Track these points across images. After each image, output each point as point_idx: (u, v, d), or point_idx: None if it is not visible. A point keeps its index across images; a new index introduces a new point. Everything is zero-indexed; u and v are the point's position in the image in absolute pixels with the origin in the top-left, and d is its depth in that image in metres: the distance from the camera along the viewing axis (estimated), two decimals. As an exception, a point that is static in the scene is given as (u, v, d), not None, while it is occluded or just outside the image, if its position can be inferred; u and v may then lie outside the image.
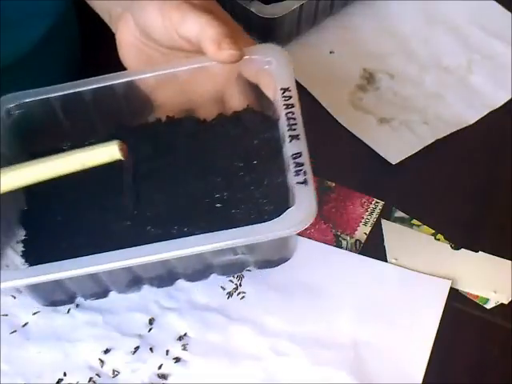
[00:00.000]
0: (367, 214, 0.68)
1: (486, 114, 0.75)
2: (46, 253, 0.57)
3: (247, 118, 0.62)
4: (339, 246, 0.66)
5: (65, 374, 0.60)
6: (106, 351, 0.61)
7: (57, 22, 0.74)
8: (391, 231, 0.67)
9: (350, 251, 0.65)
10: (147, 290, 0.63)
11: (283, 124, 0.56)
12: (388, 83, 0.77)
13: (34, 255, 0.58)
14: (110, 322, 0.62)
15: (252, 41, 0.62)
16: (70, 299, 0.61)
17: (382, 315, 0.62)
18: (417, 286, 0.63)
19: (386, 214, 0.68)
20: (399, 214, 0.68)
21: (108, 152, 0.54)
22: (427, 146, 0.72)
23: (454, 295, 0.63)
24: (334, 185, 0.69)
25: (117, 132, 0.62)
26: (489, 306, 0.63)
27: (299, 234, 0.66)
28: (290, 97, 0.57)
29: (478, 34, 0.81)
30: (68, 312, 0.63)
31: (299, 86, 0.77)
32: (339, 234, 0.67)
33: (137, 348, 0.61)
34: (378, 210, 0.68)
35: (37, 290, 0.58)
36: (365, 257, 0.65)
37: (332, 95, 0.76)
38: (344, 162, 0.72)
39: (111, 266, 0.52)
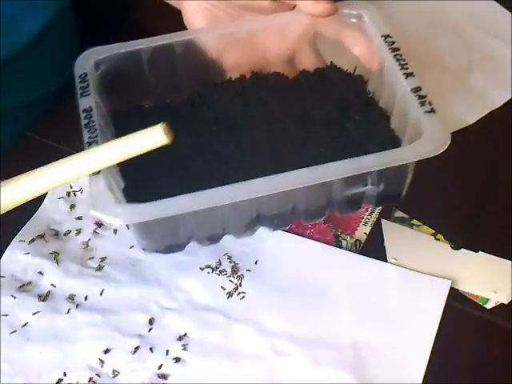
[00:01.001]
0: (367, 214, 0.68)
1: (485, 114, 0.75)
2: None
3: (331, 73, 0.64)
4: (339, 246, 0.66)
5: (65, 374, 0.60)
6: (106, 351, 0.61)
7: (54, 18, 0.74)
8: (391, 231, 0.67)
9: (350, 251, 0.65)
10: (148, 289, 0.63)
11: (393, 65, 0.59)
12: (388, 83, 0.77)
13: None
14: (110, 322, 0.62)
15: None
16: (184, 244, 0.60)
17: (382, 315, 0.62)
18: (417, 286, 0.63)
19: (386, 213, 0.68)
20: (399, 214, 0.68)
21: (152, 137, 0.50)
22: (427, 146, 0.72)
23: (454, 295, 0.63)
24: (334, 185, 0.69)
25: (201, 89, 0.63)
26: (489, 305, 0.62)
27: (299, 234, 0.66)
28: (393, 42, 0.61)
29: (478, 34, 0.81)
30: (68, 312, 0.63)
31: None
32: (339, 234, 0.67)
33: (137, 348, 0.61)
34: (377, 210, 0.68)
35: (154, 231, 0.57)
36: (365, 257, 0.65)
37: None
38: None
39: (256, 192, 0.52)
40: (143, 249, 0.60)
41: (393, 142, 0.59)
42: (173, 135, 0.50)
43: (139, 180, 0.58)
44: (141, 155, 0.54)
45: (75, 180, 0.53)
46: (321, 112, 0.61)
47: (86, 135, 0.56)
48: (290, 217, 0.60)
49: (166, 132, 0.50)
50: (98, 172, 0.53)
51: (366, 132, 0.60)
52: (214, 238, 0.60)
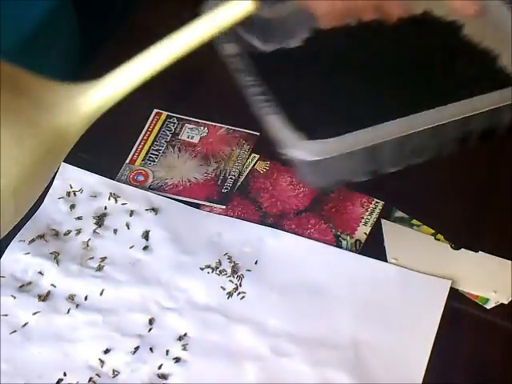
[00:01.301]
0: (367, 213, 0.68)
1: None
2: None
3: (426, 20, 0.68)
4: (339, 246, 0.66)
5: (65, 374, 0.60)
6: (106, 351, 0.61)
7: (53, 12, 0.74)
8: (391, 231, 0.67)
9: (350, 251, 0.65)
10: (148, 289, 0.63)
11: (501, 5, 0.63)
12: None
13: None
14: (110, 321, 0.62)
15: None
16: (348, 180, 0.63)
17: (382, 315, 0.62)
18: (417, 286, 0.63)
19: (386, 213, 0.68)
20: (399, 213, 0.68)
21: (240, 4, 0.50)
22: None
23: (454, 295, 0.63)
24: (334, 185, 0.69)
25: (315, 35, 0.67)
26: (489, 306, 0.62)
27: (299, 234, 0.66)
28: None
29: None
30: (68, 312, 0.63)
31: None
32: (339, 234, 0.67)
33: (137, 348, 0.61)
34: (377, 210, 0.68)
35: (328, 167, 0.59)
36: (365, 257, 0.65)
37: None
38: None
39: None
40: (310, 185, 0.64)
41: (506, 79, 0.62)
42: (258, 3, 0.51)
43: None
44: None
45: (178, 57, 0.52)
46: (426, 55, 0.66)
47: (244, 79, 0.60)
48: (437, 150, 0.62)
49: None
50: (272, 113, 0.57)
51: (476, 72, 0.63)
52: (372, 174, 0.62)
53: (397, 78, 0.65)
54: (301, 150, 0.55)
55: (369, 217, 0.67)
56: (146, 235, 0.67)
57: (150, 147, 0.73)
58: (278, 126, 0.57)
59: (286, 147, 0.56)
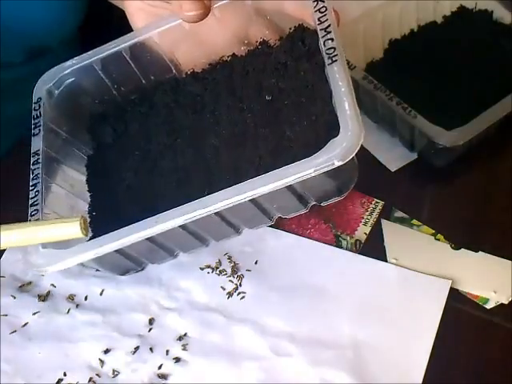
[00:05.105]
0: (367, 213, 0.68)
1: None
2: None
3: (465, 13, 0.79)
4: (339, 246, 0.66)
5: (65, 374, 0.60)
6: (106, 351, 0.61)
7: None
8: (391, 231, 0.67)
9: (350, 251, 0.65)
10: (148, 289, 0.63)
11: None
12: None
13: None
14: (109, 322, 0.62)
15: None
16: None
17: (382, 315, 0.62)
18: (417, 286, 0.63)
19: (385, 213, 0.68)
20: (399, 213, 0.68)
21: (69, 229, 0.51)
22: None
23: (454, 295, 0.63)
24: (334, 185, 0.69)
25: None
26: (489, 306, 0.62)
27: (299, 234, 0.66)
28: None
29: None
30: (68, 312, 0.63)
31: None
32: (339, 234, 0.67)
33: (137, 348, 0.61)
34: (377, 210, 0.68)
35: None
36: (365, 257, 0.65)
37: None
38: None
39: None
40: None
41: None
42: (88, 231, 0.52)
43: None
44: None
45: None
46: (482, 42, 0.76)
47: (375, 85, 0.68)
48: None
49: (83, 227, 0.51)
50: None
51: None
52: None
53: (475, 66, 0.73)
54: (448, 137, 0.65)
55: (369, 217, 0.67)
56: (146, 235, 0.67)
57: (150, 147, 0.72)
58: (425, 122, 0.65)
59: (437, 138, 0.65)
